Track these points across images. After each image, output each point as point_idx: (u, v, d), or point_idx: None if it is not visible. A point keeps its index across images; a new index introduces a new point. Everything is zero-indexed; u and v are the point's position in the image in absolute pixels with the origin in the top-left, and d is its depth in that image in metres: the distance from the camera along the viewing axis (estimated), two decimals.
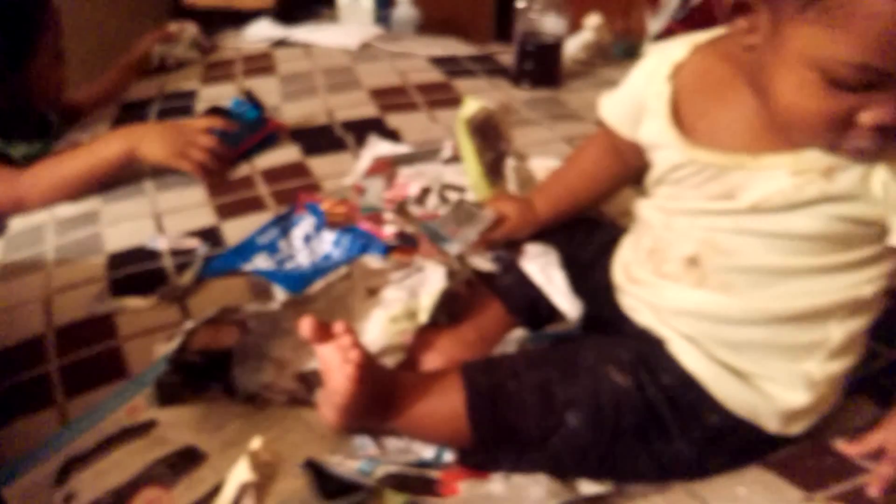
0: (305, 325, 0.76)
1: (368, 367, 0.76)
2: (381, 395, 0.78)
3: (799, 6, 0.60)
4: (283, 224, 1.18)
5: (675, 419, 0.75)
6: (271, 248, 1.14)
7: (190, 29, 2.07)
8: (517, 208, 1.01)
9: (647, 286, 0.82)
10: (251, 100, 1.50)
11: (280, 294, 1.02)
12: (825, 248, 0.72)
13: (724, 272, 0.76)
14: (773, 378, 0.75)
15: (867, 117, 0.62)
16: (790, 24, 0.62)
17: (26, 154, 1.47)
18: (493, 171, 1.14)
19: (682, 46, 0.81)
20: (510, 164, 1.20)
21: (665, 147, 0.79)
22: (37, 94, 1.55)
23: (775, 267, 0.73)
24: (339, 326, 0.76)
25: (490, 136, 1.15)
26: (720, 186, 0.75)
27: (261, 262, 1.11)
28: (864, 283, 0.73)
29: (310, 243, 1.13)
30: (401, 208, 1.16)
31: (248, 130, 1.45)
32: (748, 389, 0.75)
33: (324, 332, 0.76)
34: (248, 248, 1.14)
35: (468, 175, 1.14)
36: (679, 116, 0.79)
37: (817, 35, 0.60)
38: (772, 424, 0.75)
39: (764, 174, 0.71)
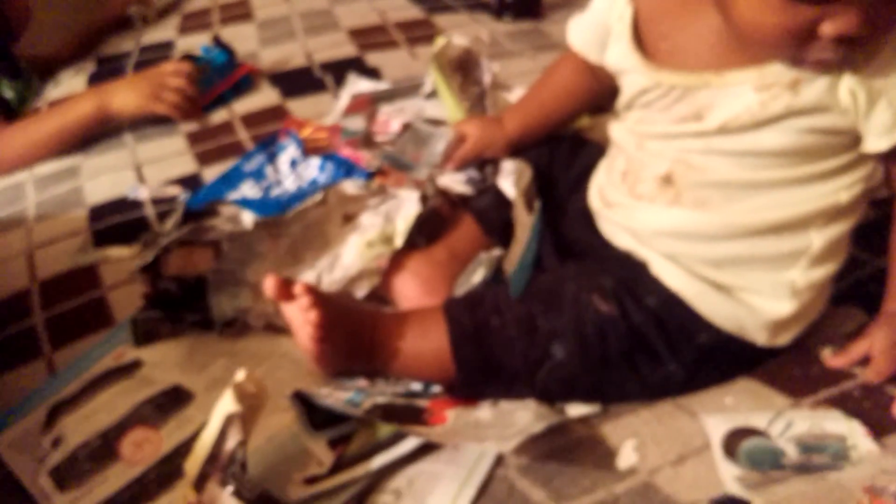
0: (268, 284, 0.75)
1: (332, 322, 0.75)
2: (357, 343, 0.78)
3: None
4: (269, 150, 1.17)
5: (663, 342, 0.75)
6: (258, 175, 1.13)
7: None
8: (481, 126, 1.00)
9: (623, 208, 0.81)
10: (220, 45, 1.49)
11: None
12: (797, 161, 0.71)
13: (698, 188, 0.75)
14: (757, 290, 0.74)
15: (828, 28, 0.60)
16: None
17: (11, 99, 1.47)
18: (479, 107, 1.13)
19: None
20: (491, 97, 1.18)
21: (631, 71, 0.78)
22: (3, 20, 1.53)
23: (749, 181, 0.72)
24: (298, 287, 0.75)
25: (469, 71, 1.13)
26: (688, 107, 0.73)
27: (247, 189, 1.10)
28: (842, 190, 0.72)
29: (297, 168, 1.12)
30: (367, 140, 1.15)
31: (219, 74, 1.44)
32: (733, 303, 0.74)
33: (286, 291, 0.75)
34: (234, 176, 1.13)
35: (446, 110, 1.12)
36: (642, 39, 0.77)
37: None
38: (760, 337, 0.75)
39: (729, 91, 0.70)
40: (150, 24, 1.98)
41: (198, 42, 1.72)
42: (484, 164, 1.00)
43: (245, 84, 1.47)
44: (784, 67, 0.67)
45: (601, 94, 0.91)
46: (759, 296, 0.74)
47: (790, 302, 0.74)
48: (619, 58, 0.79)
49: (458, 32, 1.20)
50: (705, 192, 0.74)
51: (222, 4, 2.00)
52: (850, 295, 0.84)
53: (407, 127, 1.19)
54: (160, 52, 1.75)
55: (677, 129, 0.75)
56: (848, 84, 0.66)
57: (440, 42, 1.15)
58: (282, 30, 1.78)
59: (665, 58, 0.75)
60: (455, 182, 1.00)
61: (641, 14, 0.78)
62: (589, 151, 0.96)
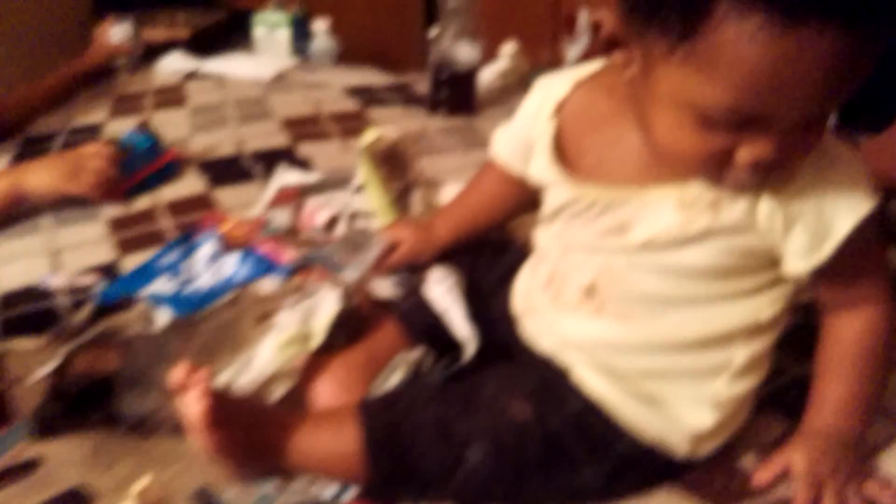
0: (176, 372, 0.73)
1: (226, 415, 0.72)
2: (260, 439, 0.75)
3: (666, 48, 0.59)
4: (187, 245, 1.14)
5: (581, 448, 0.73)
6: (173, 270, 1.09)
7: (128, 27, 2.11)
8: (414, 233, 1.00)
9: (547, 316, 0.81)
10: (144, 131, 1.47)
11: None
12: (720, 278, 0.72)
13: (622, 301, 0.75)
14: (680, 401, 0.74)
15: (744, 155, 0.61)
16: (660, 64, 0.61)
17: None
18: (401, 202, 1.12)
19: (564, 83, 0.80)
20: (418, 192, 1.18)
21: (553, 185, 0.79)
22: None
23: (672, 296, 0.73)
24: (195, 375, 0.72)
25: (397, 165, 1.13)
26: (610, 221, 0.74)
27: (161, 284, 1.06)
28: (764, 307, 0.73)
29: (213, 265, 1.09)
30: (291, 232, 1.13)
31: (143, 160, 1.42)
32: (655, 413, 0.74)
33: (186, 381, 0.73)
34: (148, 271, 1.10)
35: (372, 204, 1.11)
36: (564, 153, 0.78)
37: (686, 78, 0.59)
38: (681, 448, 0.74)
39: (651, 207, 0.71)
40: (135, 74, 2.04)
41: (128, 126, 1.70)
42: (412, 269, 0.99)
43: (170, 171, 1.45)
44: (705, 187, 0.68)
45: (529, 202, 0.91)
46: (682, 407, 0.74)
47: (712, 414, 0.73)
48: (542, 171, 0.80)
49: (392, 126, 1.20)
50: (629, 305, 0.74)
51: (157, 89, 1.98)
52: (771, 401, 0.84)
53: (334, 221, 1.18)
54: (89, 134, 1.71)
55: (601, 242, 0.75)
56: (766, 206, 0.67)
57: (370, 134, 1.15)
58: (214, 117, 1.76)
59: (588, 172, 0.76)
60: (383, 287, 0.98)
61: (564, 129, 0.79)
62: (512, 253, 0.97)
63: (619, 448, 0.73)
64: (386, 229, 1.02)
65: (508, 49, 1.92)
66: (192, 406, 0.71)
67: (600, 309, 0.76)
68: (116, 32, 2.08)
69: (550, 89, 0.81)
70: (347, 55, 2.33)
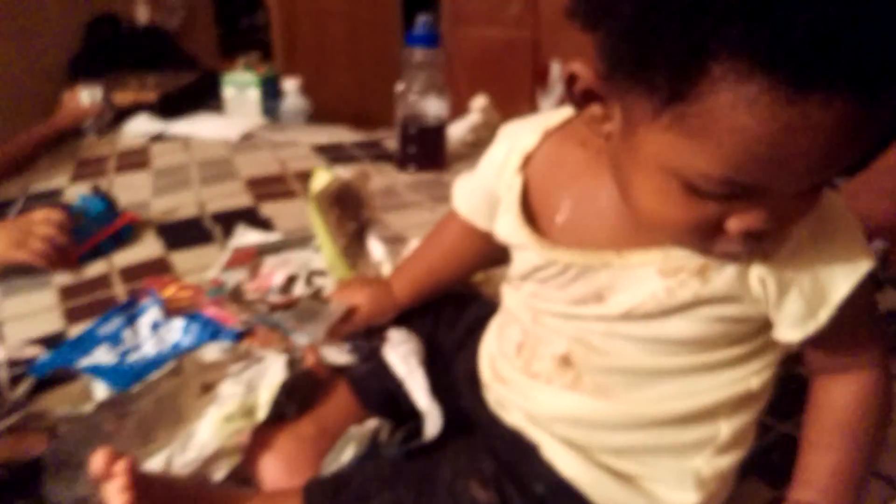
0: (95, 460, 0.66)
1: None
2: None
3: (651, 110, 0.51)
4: (129, 312, 1.08)
5: None
6: (114, 339, 1.03)
7: (97, 91, 2.14)
8: (370, 295, 0.92)
9: (517, 386, 0.74)
10: (98, 194, 1.42)
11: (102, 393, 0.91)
12: (706, 348, 0.65)
13: (600, 373, 0.68)
14: (660, 479, 0.67)
15: (734, 224, 0.54)
16: (643, 126, 0.53)
17: None
18: (357, 243, 1.06)
19: (532, 133, 0.72)
20: (381, 244, 1.13)
21: (522, 247, 0.71)
22: None
23: (654, 368, 0.66)
24: (118, 465, 0.66)
25: (350, 205, 1.06)
26: (586, 287, 0.66)
27: (101, 355, 1.00)
28: (752, 376, 0.67)
29: (158, 331, 1.03)
30: (236, 294, 1.07)
31: (96, 224, 1.36)
32: (633, 493, 0.67)
33: (109, 469, 0.66)
34: (87, 341, 1.03)
35: (324, 255, 1.05)
36: (534, 212, 0.71)
37: (674, 143, 0.51)
38: None
39: (632, 273, 0.64)
40: (103, 136, 2.05)
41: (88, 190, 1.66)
42: (369, 332, 0.92)
43: (126, 234, 1.39)
44: (690, 252, 0.61)
45: (493, 256, 0.84)
46: (662, 485, 0.67)
47: (696, 492, 0.67)
48: (509, 232, 0.72)
49: (329, 169, 1.13)
50: (607, 378, 0.68)
51: (121, 152, 1.94)
52: (753, 466, 0.77)
53: (292, 281, 1.12)
54: (48, 200, 1.66)
55: (576, 310, 0.68)
56: (758, 272, 0.61)
57: (320, 178, 1.06)
58: (177, 179, 1.72)
59: (560, 234, 0.68)
60: (338, 354, 0.91)
61: (533, 184, 0.71)
62: (476, 308, 0.90)
63: None
64: (340, 292, 0.94)
65: (479, 103, 1.89)
66: (113, 499, 0.65)
67: (576, 381, 0.69)
68: (86, 97, 2.08)
69: (517, 140, 0.72)
70: (328, 115, 2.31)
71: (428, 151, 1.69)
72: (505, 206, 0.72)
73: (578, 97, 0.59)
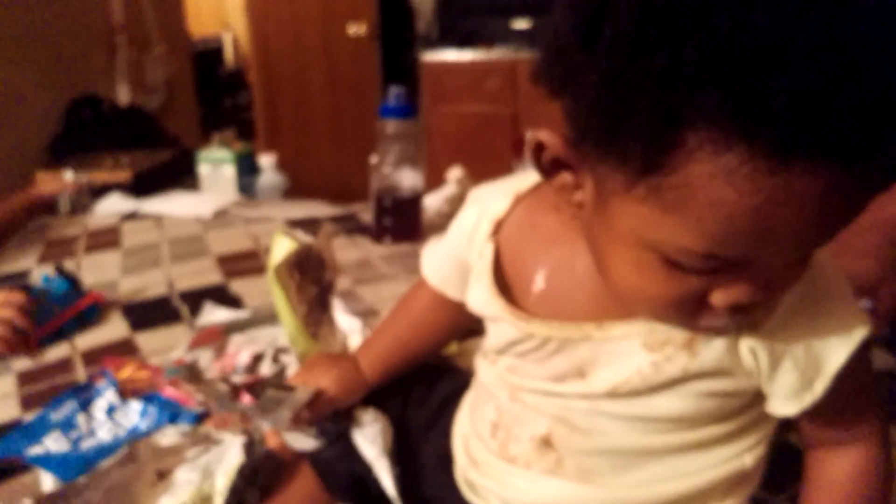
0: None
1: None
2: None
3: (624, 181, 0.48)
4: (83, 396, 1.02)
5: None
6: (67, 426, 0.97)
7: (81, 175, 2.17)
8: (337, 376, 0.84)
9: (493, 471, 0.69)
10: (62, 274, 1.38)
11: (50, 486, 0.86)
12: (696, 424, 0.61)
13: (583, 455, 0.63)
14: None
15: (719, 298, 0.51)
16: (617, 198, 0.50)
17: None
18: (319, 308, 1.01)
19: (503, 198, 0.68)
20: (354, 318, 1.09)
21: (496, 320, 0.67)
22: None
23: (641, 448, 0.62)
24: None
25: (311, 268, 1.01)
26: (567, 362, 0.62)
27: (52, 442, 0.94)
28: (745, 453, 0.63)
29: (114, 415, 0.97)
30: (192, 373, 1.01)
31: (59, 305, 1.31)
32: None
33: None
34: (37, 428, 0.97)
35: (285, 329, 1.00)
36: (508, 281, 0.67)
37: (650, 216, 0.48)
38: None
39: (614, 346, 0.60)
40: (80, 212, 2.07)
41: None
42: (336, 413, 0.87)
43: (91, 315, 1.35)
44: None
45: (467, 325, 0.80)
46: None
47: None
48: (482, 303, 0.68)
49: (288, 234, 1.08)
50: (591, 460, 0.63)
51: (91, 231, 1.91)
52: None
53: (258, 359, 1.08)
54: (15, 281, 1.61)
55: (556, 387, 0.63)
56: (748, 343, 0.57)
57: (280, 247, 0.99)
58: (147, 257, 1.69)
59: (536, 305, 0.64)
60: (304, 440, 0.84)
61: (505, 252, 0.67)
62: (449, 382, 0.84)
63: None
64: (305, 374, 0.86)
65: (455, 174, 1.88)
66: None
67: (558, 466, 0.64)
68: (69, 177, 2.12)
69: (487, 205, 0.69)
70: (309, 192, 2.30)
71: (403, 223, 1.67)
72: (476, 275, 0.68)
73: (547, 166, 0.55)
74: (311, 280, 0.98)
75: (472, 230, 0.69)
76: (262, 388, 0.86)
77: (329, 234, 1.03)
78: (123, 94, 3.17)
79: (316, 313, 0.99)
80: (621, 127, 0.46)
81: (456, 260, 0.72)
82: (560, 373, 0.63)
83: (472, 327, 0.79)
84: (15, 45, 2.53)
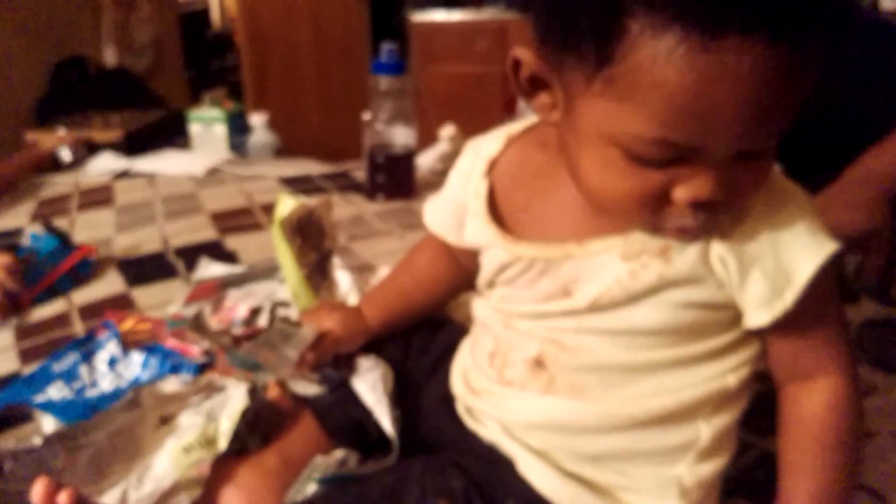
0: (35, 489, 0.62)
1: None
2: None
3: (584, 79, 0.53)
4: (85, 348, 1.03)
5: None
6: (69, 376, 0.98)
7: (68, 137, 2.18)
8: (341, 319, 0.87)
9: (491, 396, 0.72)
10: (51, 230, 1.37)
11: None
12: (678, 340, 0.63)
13: (574, 372, 0.66)
14: (640, 489, 0.65)
15: (680, 193, 0.54)
16: (580, 98, 0.55)
17: None
18: (318, 273, 1.02)
19: (496, 140, 0.74)
20: (348, 273, 1.10)
21: (489, 246, 0.71)
22: None
23: (627, 364, 0.64)
24: (60, 497, 0.62)
25: (312, 234, 1.03)
26: (553, 282, 0.66)
27: (55, 392, 0.95)
28: (728, 373, 0.65)
29: (115, 367, 0.98)
30: (197, 322, 1.03)
31: (50, 262, 1.31)
32: None
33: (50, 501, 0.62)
34: (40, 378, 0.98)
35: (288, 284, 1.01)
36: (499, 212, 0.71)
37: (607, 109, 0.53)
38: None
39: (595, 261, 0.63)
40: (79, 166, 2.09)
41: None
42: (338, 360, 0.88)
43: (84, 271, 1.35)
44: (650, 235, 0.61)
45: (466, 281, 0.82)
46: (643, 496, 0.65)
47: (677, 502, 0.64)
48: (476, 233, 0.72)
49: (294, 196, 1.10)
50: (581, 377, 0.66)
51: (84, 190, 1.90)
52: (736, 485, 0.74)
53: (255, 313, 1.09)
54: (6, 239, 1.62)
55: (546, 307, 0.66)
56: (718, 252, 0.60)
57: (285, 205, 1.03)
58: (141, 215, 1.69)
59: (524, 230, 0.68)
60: (307, 385, 0.86)
61: (498, 188, 0.72)
62: (448, 332, 0.87)
63: None
64: (310, 316, 0.89)
65: (448, 132, 1.88)
66: None
67: (550, 384, 0.67)
68: (65, 155, 2.11)
69: (482, 148, 0.74)
70: (298, 152, 2.30)
71: (397, 180, 1.67)
72: (472, 212, 0.73)
73: (525, 85, 0.61)
74: (311, 246, 0.99)
75: (469, 171, 0.74)
76: (271, 323, 0.88)
77: (329, 204, 1.04)
78: (110, 56, 3.14)
79: (315, 279, 1.01)
80: (573, 23, 0.52)
81: (454, 204, 0.76)
82: (547, 293, 0.66)
83: (469, 285, 0.81)
84: (0, 8, 2.51)
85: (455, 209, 0.76)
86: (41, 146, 2.10)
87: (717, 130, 0.50)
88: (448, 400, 0.77)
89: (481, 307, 0.76)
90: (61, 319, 1.22)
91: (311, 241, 1.00)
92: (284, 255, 0.98)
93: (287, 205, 1.00)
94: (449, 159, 1.85)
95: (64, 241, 1.36)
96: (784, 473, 0.65)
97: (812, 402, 0.64)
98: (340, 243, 1.37)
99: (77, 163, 2.11)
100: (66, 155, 2.09)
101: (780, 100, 0.50)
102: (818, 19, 0.48)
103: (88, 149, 2.17)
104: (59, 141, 2.11)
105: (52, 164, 2.10)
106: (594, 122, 0.55)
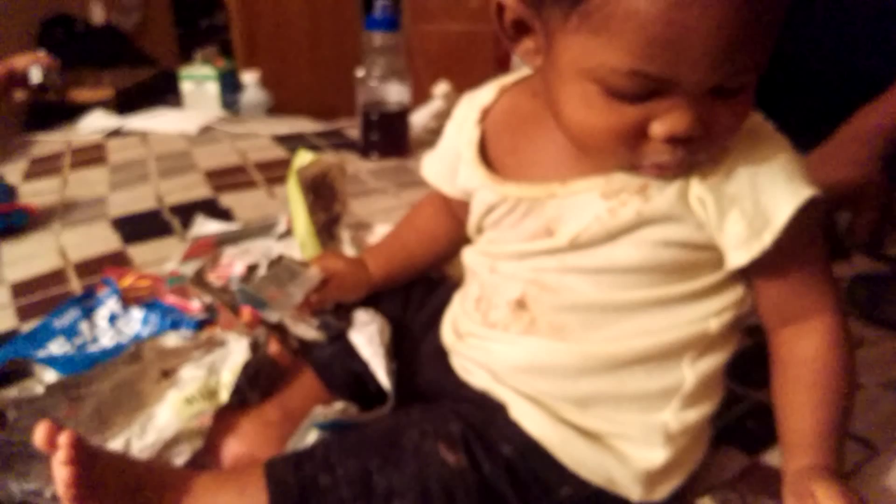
0: (38, 432, 0.63)
1: (93, 481, 0.62)
2: None
3: (562, 15, 0.56)
4: (86, 304, 1.04)
5: (519, 497, 0.65)
6: (70, 332, 0.98)
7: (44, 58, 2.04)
8: (346, 266, 0.90)
9: (477, 339, 0.74)
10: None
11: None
12: (658, 280, 0.65)
13: (554, 312, 0.68)
14: (627, 435, 0.66)
15: (657, 128, 0.56)
16: (559, 35, 0.57)
17: None
18: (325, 234, 1.03)
19: (489, 91, 0.76)
20: (345, 230, 1.10)
21: (478, 189, 0.73)
22: None
23: (607, 303, 0.66)
24: (61, 437, 0.63)
25: (324, 195, 1.04)
26: (536, 222, 0.68)
27: (56, 348, 0.96)
28: (711, 317, 0.66)
29: (116, 323, 0.99)
30: (199, 278, 1.03)
31: None
32: (601, 452, 0.65)
33: (53, 441, 0.63)
34: (41, 334, 0.99)
35: (296, 232, 1.02)
36: (489, 157, 0.74)
37: (584, 44, 0.55)
38: (633, 491, 0.65)
39: (576, 199, 0.65)
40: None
41: (42, 188, 1.62)
42: (338, 309, 0.90)
43: (19, 222, 1.40)
44: (631, 174, 0.63)
45: (464, 237, 0.83)
46: (629, 442, 0.66)
47: (664, 449, 0.65)
48: (467, 178, 0.75)
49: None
50: (562, 317, 0.67)
51: (76, 148, 1.89)
52: (727, 435, 0.76)
53: (252, 270, 1.09)
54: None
55: (529, 246, 0.69)
56: (697, 192, 0.61)
57: (303, 157, 1.05)
58: (135, 173, 1.68)
59: (512, 172, 0.71)
60: (307, 328, 0.88)
61: (488, 134, 0.74)
62: (445, 288, 0.88)
63: (562, 493, 0.65)
64: (318, 261, 0.91)
65: (441, 89, 1.88)
66: (57, 472, 0.62)
67: (532, 325, 0.69)
68: (35, 74, 2.01)
69: (475, 98, 0.77)
70: (290, 111, 2.29)
71: (391, 138, 1.67)
72: (465, 160, 0.75)
73: (510, 30, 0.63)
74: (322, 207, 1.00)
75: (462, 121, 0.77)
76: (279, 259, 0.89)
77: (342, 168, 1.05)
78: (97, 13, 3.10)
79: (323, 238, 1.02)
80: None
81: (449, 153, 0.79)
82: (531, 233, 0.68)
83: (467, 241, 0.82)
84: None
85: (449, 159, 0.78)
86: (13, 62, 2.01)
87: (689, 60, 0.52)
88: (443, 353, 0.79)
89: (470, 254, 0.78)
90: (57, 276, 1.22)
91: (322, 201, 1.00)
92: (297, 204, 0.99)
93: (305, 158, 1.01)
94: (443, 117, 1.84)
95: (9, 192, 1.42)
96: (784, 415, 0.67)
97: (809, 343, 0.66)
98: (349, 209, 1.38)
99: (46, 88, 2.01)
100: (35, 75, 1.98)
101: (750, 28, 0.52)
102: None
103: (75, 109, 2.15)
104: (34, 59, 2.01)
105: (23, 82, 2.02)
106: (572, 58, 0.57)
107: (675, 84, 0.54)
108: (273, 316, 0.86)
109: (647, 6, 0.50)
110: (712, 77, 0.54)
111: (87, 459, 0.62)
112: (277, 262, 0.89)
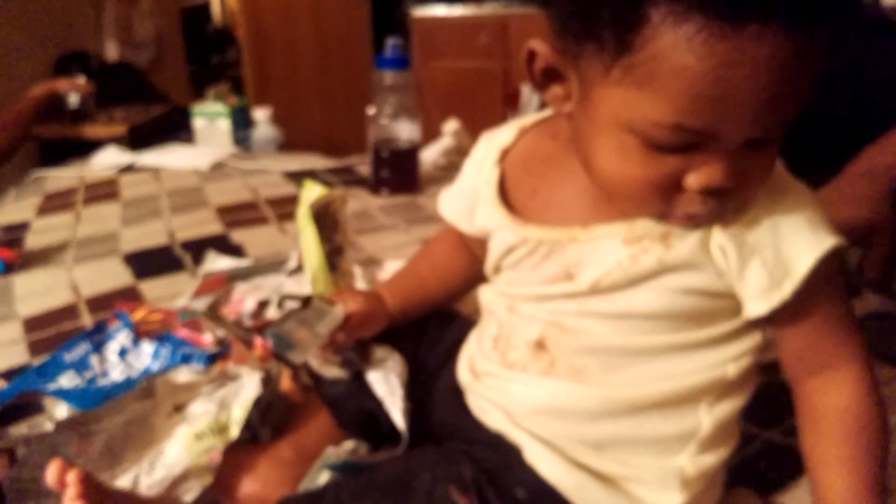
0: (50, 470, 0.63)
1: None
2: None
3: (602, 68, 0.55)
4: (96, 338, 1.04)
5: None
6: (80, 366, 0.99)
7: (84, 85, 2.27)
8: (364, 302, 0.87)
9: (494, 379, 0.73)
10: None
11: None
12: (677, 326, 0.64)
13: (574, 354, 0.67)
14: (643, 479, 0.65)
15: (693, 180, 0.56)
16: (598, 86, 0.57)
17: None
18: (329, 265, 1.03)
19: (509, 131, 0.76)
20: (357, 266, 1.11)
21: (498, 230, 0.73)
22: None
23: (627, 347, 0.65)
24: (70, 474, 0.63)
25: (327, 225, 1.04)
26: (557, 265, 0.67)
27: (66, 381, 0.96)
28: (729, 362, 0.65)
29: (126, 357, 0.99)
30: (212, 312, 1.04)
31: None
32: (616, 495, 0.65)
33: (63, 479, 0.63)
34: (51, 367, 0.99)
35: (308, 265, 1.02)
36: (509, 198, 0.73)
37: (625, 96, 0.55)
38: None
39: (598, 245, 0.65)
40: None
41: (55, 223, 1.63)
42: (357, 344, 0.89)
43: None
44: (654, 221, 0.62)
45: (480, 272, 0.82)
46: (645, 486, 0.65)
47: (680, 493, 0.64)
48: (486, 218, 0.74)
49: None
50: (581, 360, 0.66)
51: (89, 184, 1.91)
52: (740, 475, 0.75)
53: (263, 306, 1.10)
54: (13, 233, 1.63)
55: (548, 289, 0.68)
56: (718, 240, 0.61)
57: (313, 189, 1.02)
58: (147, 209, 1.70)
59: (532, 214, 0.70)
60: (330, 368, 0.86)
61: (508, 175, 0.74)
62: (459, 325, 0.88)
63: None
64: (337, 297, 0.88)
65: (451, 126, 1.89)
66: None
67: (551, 366, 0.68)
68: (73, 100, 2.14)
69: (495, 138, 0.77)
70: (300, 147, 2.31)
71: (401, 174, 1.68)
72: (483, 199, 0.75)
73: (539, 77, 0.63)
74: (325, 238, 1.00)
75: (482, 160, 0.76)
76: (308, 300, 0.88)
77: (344, 198, 1.05)
78: (112, 50, 3.14)
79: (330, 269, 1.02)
80: (594, 13, 0.54)
81: (467, 192, 0.78)
82: (550, 276, 0.68)
83: (481, 279, 0.82)
84: (2, 2, 2.51)
85: (467, 197, 0.78)
86: (57, 84, 2.14)
87: (733, 116, 0.53)
88: (458, 391, 0.78)
89: (487, 293, 0.77)
90: (69, 311, 1.23)
91: (325, 232, 1.00)
92: (308, 238, 0.99)
93: (314, 190, 1.01)
94: (452, 154, 1.86)
95: None
96: (817, 468, 0.65)
97: (838, 395, 0.64)
98: (351, 239, 1.38)
99: (80, 114, 2.22)
100: (74, 100, 2.18)
101: (792, 86, 0.52)
102: (829, 9, 0.51)
103: (88, 146, 2.19)
104: (75, 85, 2.20)
105: (55, 109, 2.17)
106: (611, 109, 0.57)
107: (715, 137, 0.54)
108: (298, 357, 0.85)
109: (696, 63, 0.51)
110: (753, 131, 0.54)
111: (96, 497, 0.62)
112: (306, 304, 0.88)
